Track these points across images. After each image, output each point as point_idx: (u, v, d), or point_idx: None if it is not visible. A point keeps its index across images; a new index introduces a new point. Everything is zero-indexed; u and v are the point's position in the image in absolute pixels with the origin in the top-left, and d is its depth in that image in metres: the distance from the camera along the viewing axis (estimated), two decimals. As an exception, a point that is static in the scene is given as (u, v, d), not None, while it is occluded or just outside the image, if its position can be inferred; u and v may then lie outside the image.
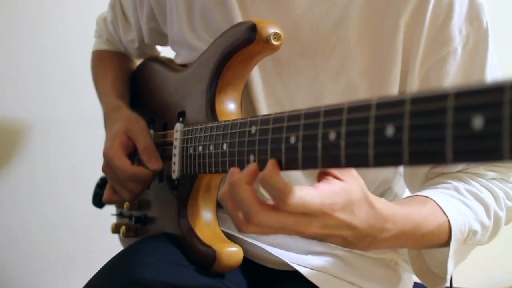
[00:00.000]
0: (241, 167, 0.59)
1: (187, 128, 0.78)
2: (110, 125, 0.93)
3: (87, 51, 1.22)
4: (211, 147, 0.68)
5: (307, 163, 0.49)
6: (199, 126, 0.74)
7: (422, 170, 0.80)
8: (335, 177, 0.53)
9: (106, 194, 0.91)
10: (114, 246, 1.04)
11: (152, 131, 0.96)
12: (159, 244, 0.82)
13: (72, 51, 1.53)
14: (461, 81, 0.74)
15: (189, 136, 0.77)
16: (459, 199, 0.71)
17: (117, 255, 0.79)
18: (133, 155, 0.89)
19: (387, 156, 0.40)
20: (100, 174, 0.99)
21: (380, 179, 0.86)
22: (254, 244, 0.83)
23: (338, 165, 0.45)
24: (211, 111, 0.76)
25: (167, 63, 1.00)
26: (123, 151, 0.86)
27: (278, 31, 0.70)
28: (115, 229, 1.05)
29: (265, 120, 0.56)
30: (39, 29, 1.51)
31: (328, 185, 0.52)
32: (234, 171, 0.57)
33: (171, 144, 0.84)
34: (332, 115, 0.46)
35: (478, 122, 0.32)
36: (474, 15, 0.73)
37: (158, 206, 0.93)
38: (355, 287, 0.81)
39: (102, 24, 1.18)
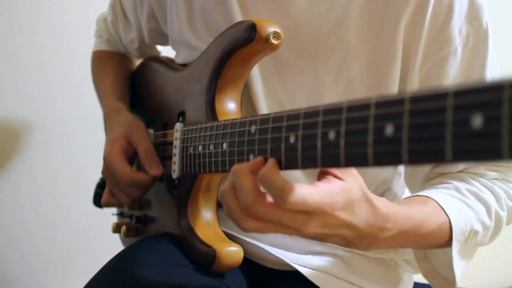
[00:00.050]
0: (242, 166, 0.59)
1: (187, 128, 0.78)
2: (110, 127, 0.93)
3: (87, 51, 1.22)
4: (211, 147, 0.68)
5: (307, 163, 0.49)
6: (199, 126, 0.74)
7: (423, 170, 0.80)
8: (335, 176, 0.53)
9: (105, 197, 0.91)
10: (114, 246, 1.04)
11: (152, 131, 0.96)
12: (159, 244, 0.82)
13: (72, 51, 1.53)
14: (461, 82, 0.74)
15: (189, 136, 0.77)
16: (460, 199, 0.71)
17: (117, 255, 0.79)
18: (132, 158, 0.89)
19: (387, 155, 0.40)
20: (100, 174, 0.99)
21: (380, 179, 0.86)
22: (254, 244, 0.83)
23: (337, 164, 0.45)
24: (211, 111, 0.76)
25: (167, 62, 1.00)
26: (123, 155, 0.86)
27: (277, 30, 0.70)
28: (116, 229, 1.05)
29: (265, 119, 0.56)
30: (39, 29, 1.51)
31: (328, 184, 0.52)
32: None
33: (171, 144, 0.84)
34: (331, 114, 0.46)
35: (477, 121, 0.32)
36: (474, 16, 0.73)
37: (159, 205, 0.93)
38: (355, 287, 0.81)
39: (102, 24, 1.18)
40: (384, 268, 0.85)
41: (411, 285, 0.92)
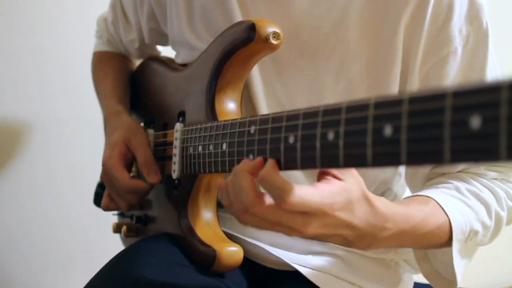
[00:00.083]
0: (241, 166, 0.59)
1: (187, 128, 0.78)
2: (110, 130, 0.94)
3: (87, 51, 1.22)
4: (211, 147, 0.69)
5: (306, 163, 0.49)
6: (198, 126, 0.74)
7: (423, 170, 0.80)
8: (335, 177, 0.53)
9: (104, 201, 0.92)
10: (114, 246, 1.04)
11: (152, 131, 0.96)
12: (159, 244, 0.82)
13: (72, 51, 1.53)
14: (461, 82, 0.74)
15: (189, 136, 0.77)
16: (460, 199, 0.71)
17: (117, 255, 0.79)
18: (131, 164, 0.89)
19: (385, 156, 0.40)
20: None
21: (380, 179, 0.86)
22: (254, 244, 0.83)
23: (336, 165, 0.45)
24: (211, 111, 0.76)
25: (167, 63, 1.00)
26: (121, 161, 0.86)
27: (277, 30, 0.70)
28: (117, 229, 1.05)
29: (264, 119, 0.56)
30: (39, 29, 1.51)
31: (327, 185, 0.52)
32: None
33: (171, 144, 0.84)
34: (330, 115, 0.46)
35: (475, 121, 0.32)
36: (474, 16, 0.73)
37: (159, 206, 0.93)
38: (355, 287, 0.81)
39: (103, 24, 1.19)
40: (384, 268, 0.85)
41: (411, 285, 0.92)
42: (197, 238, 0.77)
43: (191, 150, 0.75)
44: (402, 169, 0.89)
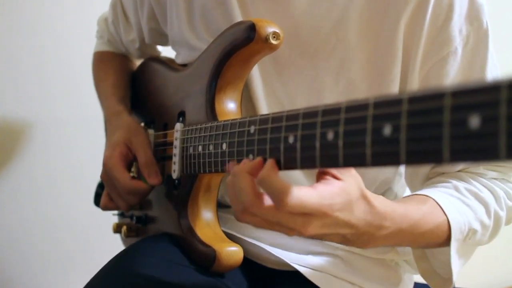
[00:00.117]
0: (241, 166, 0.59)
1: (187, 128, 0.78)
2: (111, 131, 0.94)
3: (87, 51, 1.22)
4: (211, 147, 0.69)
5: (306, 163, 0.49)
6: (198, 126, 0.74)
7: (423, 170, 0.80)
8: (334, 177, 0.54)
9: (103, 200, 0.92)
10: (114, 246, 1.04)
11: (152, 131, 0.96)
12: (159, 244, 0.82)
13: (72, 51, 1.53)
14: (461, 82, 0.74)
15: (189, 136, 0.77)
16: (459, 198, 0.71)
17: (117, 255, 0.79)
18: (131, 163, 0.89)
19: (385, 155, 0.40)
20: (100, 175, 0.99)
21: (380, 179, 0.86)
22: (254, 244, 0.83)
23: (336, 164, 0.45)
24: (211, 111, 0.76)
25: (167, 63, 1.00)
26: (122, 162, 0.86)
27: (277, 31, 0.70)
28: (117, 229, 1.05)
29: (264, 119, 0.56)
30: (39, 29, 1.51)
31: (326, 186, 0.53)
32: (233, 164, 0.59)
33: (171, 144, 0.84)
34: (330, 115, 0.46)
35: (474, 121, 0.32)
36: (474, 16, 0.73)
37: (159, 206, 0.93)
38: (355, 287, 0.81)
39: (103, 24, 1.19)
40: (385, 268, 0.85)
41: (411, 285, 0.92)
42: (197, 238, 0.77)
43: (191, 150, 0.75)
44: (402, 169, 0.89)
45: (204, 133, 0.71)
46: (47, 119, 1.53)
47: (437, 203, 0.67)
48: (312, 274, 0.79)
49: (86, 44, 1.28)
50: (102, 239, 1.41)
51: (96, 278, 0.75)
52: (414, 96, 0.37)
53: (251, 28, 0.70)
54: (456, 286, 0.80)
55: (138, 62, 1.18)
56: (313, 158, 0.48)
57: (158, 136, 0.93)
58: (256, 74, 0.81)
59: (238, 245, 0.76)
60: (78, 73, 1.46)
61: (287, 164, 0.52)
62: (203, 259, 0.75)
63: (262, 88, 0.82)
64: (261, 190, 0.54)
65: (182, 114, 0.85)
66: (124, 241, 1.12)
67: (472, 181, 0.74)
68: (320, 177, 0.55)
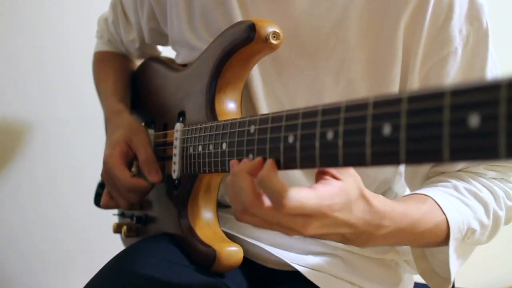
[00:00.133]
0: (241, 166, 0.59)
1: (187, 128, 0.78)
2: (111, 129, 0.94)
3: (87, 51, 1.23)
4: (211, 147, 0.69)
5: (305, 163, 0.49)
6: (198, 126, 0.74)
7: (423, 169, 0.80)
8: (333, 176, 0.54)
9: (104, 199, 0.92)
10: (114, 246, 1.04)
11: (152, 131, 0.96)
12: (159, 244, 0.82)
13: (72, 51, 1.53)
14: (461, 82, 0.74)
15: (189, 136, 0.77)
16: (458, 197, 0.71)
17: (117, 255, 0.79)
18: (132, 162, 0.89)
19: (384, 155, 0.40)
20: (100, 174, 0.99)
21: (380, 179, 0.86)
22: (254, 244, 0.83)
23: (336, 164, 0.45)
24: (211, 111, 0.76)
25: (167, 63, 1.00)
26: (123, 160, 0.86)
27: (277, 30, 0.70)
28: (117, 229, 1.05)
29: (264, 119, 0.56)
30: (39, 29, 1.51)
31: (325, 187, 0.53)
32: (234, 163, 0.58)
33: (171, 144, 0.84)
34: (329, 114, 0.46)
35: (474, 120, 0.32)
36: (474, 16, 0.73)
37: (159, 206, 0.93)
38: (355, 287, 0.81)
39: (104, 24, 1.19)
40: (385, 268, 0.85)
41: (412, 285, 0.92)
42: (197, 238, 0.77)
43: (191, 150, 0.75)
44: (402, 169, 0.89)
45: (204, 133, 0.71)
46: (47, 119, 1.53)
47: (436, 202, 0.67)
48: (312, 274, 0.79)
49: (86, 44, 1.28)
50: (102, 239, 1.41)
51: (96, 278, 0.75)
52: (413, 95, 0.37)
53: (251, 28, 0.70)
54: (456, 286, 0.80)
55: (138, 62, 1.18)
56: (313, 158, 0.48)
57: (158, 136, 0.93)
58: (256, 74, 0.81)
59: (238, 245, 0.76)
60: (78, 73, 1.46)
61: (287, 163, 0.52)
62: (203, 259, 0.75)
63: (262, 88, 0.82)
64: (261, 191, 0.54)
65: (182, 114, 0.85)
66: (124, 241, 1.12)
67: (471, 180, 0.74)
68: (319, 177, 0.55)
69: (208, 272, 0.75)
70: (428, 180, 0.79)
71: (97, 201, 1.12)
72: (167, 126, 0.91)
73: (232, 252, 0.74)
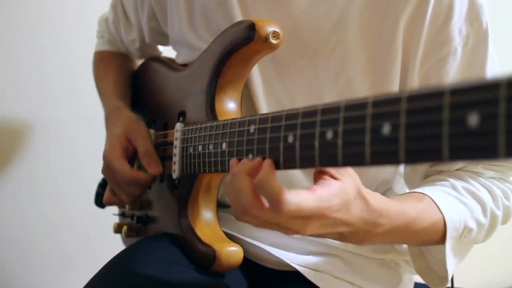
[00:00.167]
0: (241, 166, 0.59)
1: (187, 128, 0.78)
2: (111, 126, 0.94)
3: (87, 51, 1.23)
4: (211, 147, 0.69)
5: (305, 162, 0.49)
6: (198, 126, 0.74)
7: (422, 168, 0.80)
8: (331, 176, 0.54)
9: (106, 195, 0.92)
10: (114, 246, 1.04)
11: (153, 131, 0.96)
12: (159, 244, 0.82)
13: (72, 51, 1.53)
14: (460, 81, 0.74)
15: (189, 136, 0.77)
16: (456, 196, 0.71)
17: (117, 255, 0.79)
18: (133, 158, 0.89)
19: (384, 154, 0.40)
20: (100, 174, 0.99)
21: (380, 179, 0.86)
22: (254, 245, 0.83)
23: (335, 164, 0.45)
24: (211, 111, 0.76)
25: (168, 63, 1.00)
26: (122, 154, 0.86)
27: (277, 30, 0.70)
28: (117, 229, 1.05)
29: (264, 119, 0.56)
30: (39, 29, 1.51)
31: (324, 188, 0.53)
32: (234, 163, 0.59)
33: (171, 144, 0.84)
34: (329, 114, 0.46)
35: (473, 119, 0.32)
36: (474, 16, 0.73)
37: (159, 205, 0.93)
38: (355, 287, 0.81)
39: (104, 24, 1.19)
40: (385, 268, 0.85)
41: (412, 285, 0.92)
42: (197, 238, 0.77)
43: (191, 150, 0.75)
44: (402, 169, 0.89)
45: (204, 132, 0.71)
46: (47, 119, 1.53)
47: (433, 201, 0.67)
48: (312, 274, 0.79)
49: (86, 44, 1.28)
50: (102, 239, 1.41)
51: (96, 278, 0.75)
52: (413, 94, 0.37)
53: (251, 28, 0.70)
54: (455, 286, 0.80)
55: (139, 62, 1.18)
56: (312, 157, 0.48)
57: (159, 136, 0.93)
58: (256, 73, 0.82)
59: (238, 245, 0.76)
60: (78, 73, 1.46)
61: (287, 163, 0.52)
62: (203, 259, 0.75)
63: (262, 88, 0.82)
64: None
65: (182, 113, 0.85)
66: (124, 241, 1.12)
67: (470, 180, 0.75)
68: (317, 177, 0.55)
69: (208, 272, 0.75)
70: (426, 179, 0.79)
71: (98, 202, 1.12)
72: (167, 126, 0.91)
73: (232, 252, 0.74)
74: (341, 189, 0.53)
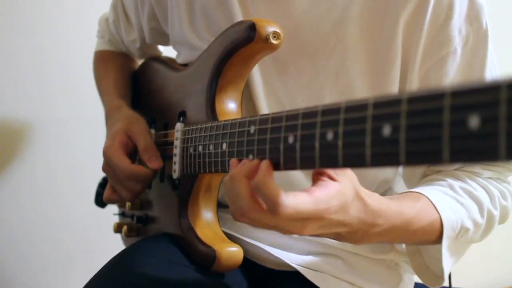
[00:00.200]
0: (241, 167, 0.59)
1: (187, 128, 0.78)
2: (111, 124, 0.93)
3: (87, 51, 1.23)
4: (211, 147, 0.69)
5: (305, 163, 0.49)
6: (199, 126, 0.74)
7: (420, 168, 0.80)
8: (330, 177, 0.54)
9: (106, 193, 0.91)
10: (114, 246, 1.04)
11: (153, 131, 0.96)
12: (159, 243, 0.82)
13: (72, 51, 1.53)
14: (460, 82, 0.74)
15: (190, 136, 0.77)
16: (453, 196, 0.72)
17: (117, 255, 0.79)
18: (133, 154, 0.89)
19: (384, 156, 0.40)
20: (100, 174, 0.99)
21: (380, 180, 0.86)
22: (254, 245, 0.83)
23: (335, 165, 0.45)
24: (211, 111, 0.76)
25: (168, 62, 1.00)
26: (122, 150, 0.85)
27: (277, 30, 0.70)
28: (117, 229, 1.05)
29: (264, 119, 0.56)
30: (39, 29, 1.51)
31: (322, 190, 0.53)
32: (234, 163, 0.59)
33: (171, 143, 0.84)
34: (329, 115, 0.46)
35: (474, 121, 0.32)
36: (474, 16, 0.73)
37: (159, 205, 0.93)
38: (355, 287, 0.81)
39: (104, 24, 1.19)
40: (385, 268, 0.85)
41: (412, 285, 0.92)
42: (197, 238, 0.77)
43: (191, 150, 0.75)
44: (402, 169, 0.89)
45: (204, 133, 0.71)
46: (47, 119, 1.53)
47: (430, 201, 0.68)
48: (312, 274, 0.79)
49: (86, 44, 1.28)
50: (102, 239, 1.41)
51: (96, 278, 0.75)
52: (413, 96, 0.37)
53: (252, 28, 0.70)
54: (454, 286, 0.80)
55: (139, 62, 1.18)
56: (313, 158, 0.48)
57: (159, 135, 0.93)
58: (256, 74, 0.82)
59: (238, 246, 0.76)
60: (78, 73, 1.46)
61: (287, 164, 0.52)
62: (203, 259, 0.75)
63: (262, 88, 0.82)
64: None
65: (182, 113, 0.85)
66: (124, 241, 1.12)
67: (467, 180, 0.75)
68: (316, 178, 0.55)
69: (208, 272, 0.75)
70: (424, 178, 0.79)
71: (98, 201, 1.12)
72: (168, 125, 0.91)
73: (232, 253, 0.74)
74: (339, 191, 0.53)
